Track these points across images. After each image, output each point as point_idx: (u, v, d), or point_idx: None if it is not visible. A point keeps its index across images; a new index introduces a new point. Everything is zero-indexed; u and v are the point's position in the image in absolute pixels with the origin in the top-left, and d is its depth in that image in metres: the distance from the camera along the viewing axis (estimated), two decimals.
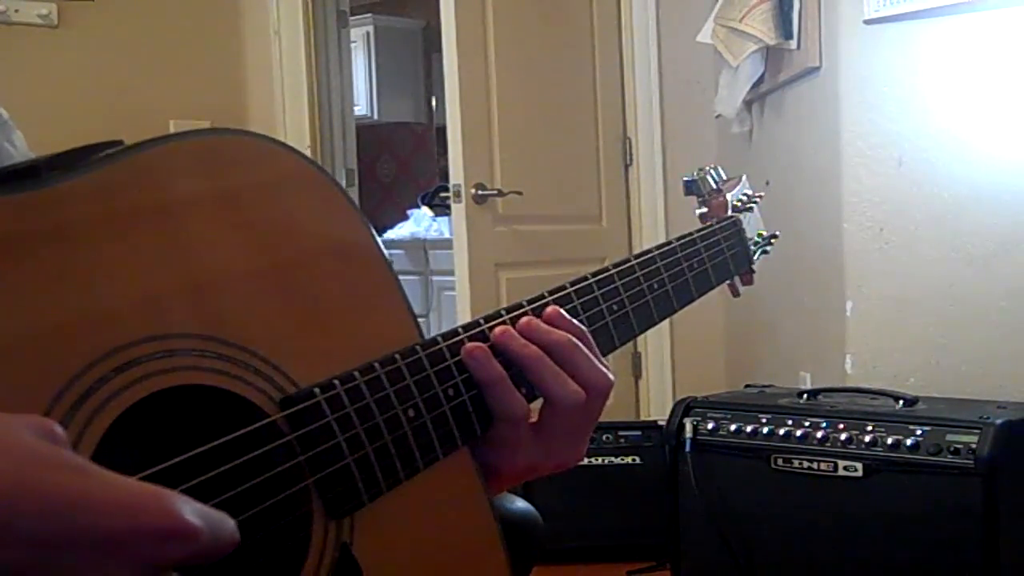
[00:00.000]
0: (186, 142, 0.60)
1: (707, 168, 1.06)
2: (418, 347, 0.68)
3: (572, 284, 0.82)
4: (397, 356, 0.66)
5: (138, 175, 0.57)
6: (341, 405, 0.62)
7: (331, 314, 0.65)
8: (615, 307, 0.85)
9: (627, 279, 0.87)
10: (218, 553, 0.42)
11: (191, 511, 0.41)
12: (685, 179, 1.06)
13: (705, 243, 0.97)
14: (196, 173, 0.59)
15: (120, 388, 0.53)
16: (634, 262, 0.89)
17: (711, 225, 1.02)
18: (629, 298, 0.86)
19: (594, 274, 0.85)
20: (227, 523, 0.43)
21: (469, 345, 0.70)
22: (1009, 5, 2.29)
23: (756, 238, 1.07)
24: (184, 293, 0.57)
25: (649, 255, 0.90)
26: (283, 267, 0.63)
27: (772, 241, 1.09)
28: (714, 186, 1.06)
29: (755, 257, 1.06)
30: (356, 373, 0.63)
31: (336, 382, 0.62)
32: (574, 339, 0.74)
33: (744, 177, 1.10)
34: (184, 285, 0.57)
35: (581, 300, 0.82)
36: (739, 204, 1.07)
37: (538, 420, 0.74)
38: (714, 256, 0.97)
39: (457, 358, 0.70)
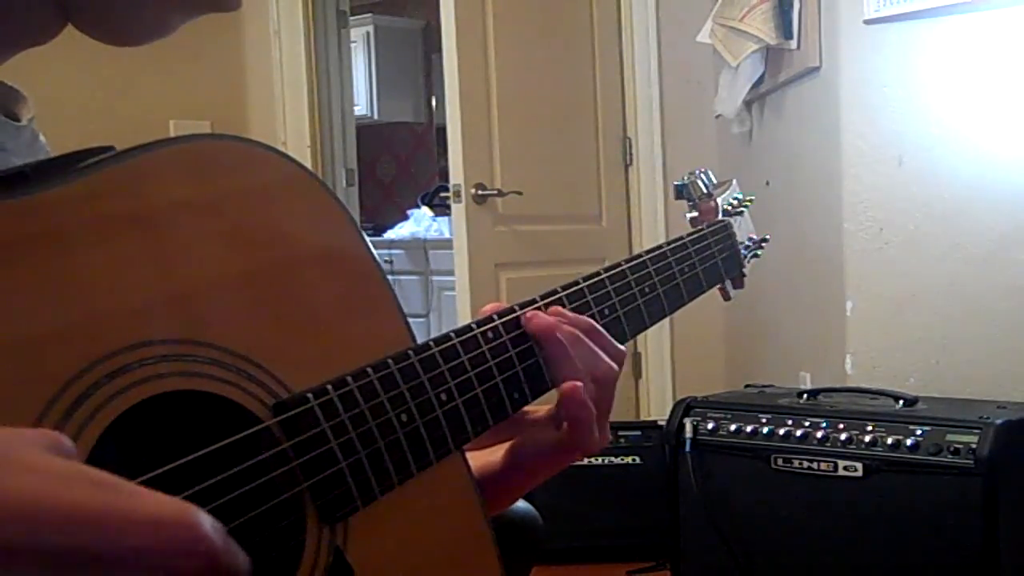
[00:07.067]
0: (175, 148, 0.59)
1: (698, 172, 1.06)
2: (411, 352, 0.68)
3: (564, 288, 0.82)
4: (390, 361, 0.66)
5: (128, 182, 0.56)
6: (335, 410, 0.62)
7: (323, 319, 0.64)
8: (607, 311, 0.85)
9: (618, 283, 0.87)
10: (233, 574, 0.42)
11: (212, 527, 0.41)
12: (676, 183, 1.06)
13: (696, 247, 0.97)
14: (186, 179, 0.59)
15: (113, 394, 0.53)
16: (625, 267, 0.89)
17: (702, 229, 1.01)
18: (620, 302, 0.87)
19: (586, 278, 0.85)
20: (242, 552, 0.43)
21: (531, 313, 0.75)
22: (1009, 5, 2.28)
23: (747, 242, 1.07)
24: (176, 299, 0.57)
25: (640, 259, 0.90)
26: (274, 272, 0.62)
27: (763, 245, 1.09)
28: (705, 190, 1.06)
29: (746, 261, 1.06)
30: (349, 378, 0.63)
31: (329, 387, 0.62)
32: (593, 322, 0.78)
33: (735, 181, 1.10)
34: (176, 291, 0.57)
35: (573, 305, 0.82)
36: (730, 208, 1.07)
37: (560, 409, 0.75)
38: (705, 260, 0.97)
39: (450, 363, 0.70)
